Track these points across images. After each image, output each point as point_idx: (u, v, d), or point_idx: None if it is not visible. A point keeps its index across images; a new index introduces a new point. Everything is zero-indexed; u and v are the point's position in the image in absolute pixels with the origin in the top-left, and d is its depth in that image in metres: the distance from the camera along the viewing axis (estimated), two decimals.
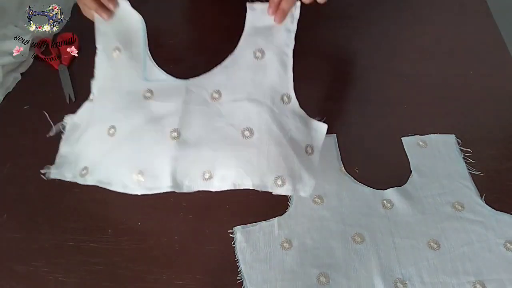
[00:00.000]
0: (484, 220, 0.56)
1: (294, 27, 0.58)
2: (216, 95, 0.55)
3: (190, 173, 0.53)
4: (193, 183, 0.53)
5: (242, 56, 0.58)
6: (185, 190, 0.53)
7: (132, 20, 0.62)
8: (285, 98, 0.56)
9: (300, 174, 0.52)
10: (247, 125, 0.53)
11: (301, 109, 0.56)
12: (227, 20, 0.91)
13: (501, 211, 0.57)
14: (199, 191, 0.59)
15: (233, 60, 0.58)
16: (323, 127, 0.56)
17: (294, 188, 0.52)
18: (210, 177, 0.52)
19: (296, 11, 0.58)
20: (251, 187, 0.52)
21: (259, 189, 0.52)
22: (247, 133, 0.52)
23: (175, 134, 0.53)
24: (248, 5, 0.60)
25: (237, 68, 0.57)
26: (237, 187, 0.52)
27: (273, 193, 0.52)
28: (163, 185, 0.53)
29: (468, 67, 0.78)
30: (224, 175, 0.52)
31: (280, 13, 0.57)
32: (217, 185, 0.53)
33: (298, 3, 0.58)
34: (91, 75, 0.79)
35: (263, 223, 0.57)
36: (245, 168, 0.51)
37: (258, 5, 0.60)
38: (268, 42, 0.57)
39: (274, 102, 0.54)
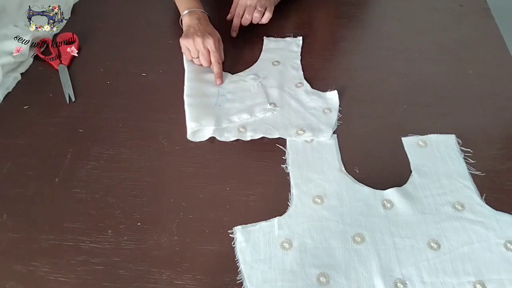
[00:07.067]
0: (484, 220, 0.56)
1: (299, 49, 0.84)
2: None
3: (228, 128, 0.69)
4: (231, 134, 0.68)
5: (263, 63, 0.81)
6: (223, 139, 0.68)
7: None
8: (298, 84, 0.76)
9: (318, 127, 0.68)
10: (271, 101, 0.73)
11: (312, 89, 0.75)
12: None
13: (501, 211, 0.57)
14: (199, 191, 0.62)
15: (256, 65, 0.81)
16: (334, 93, 0.73)
17: (313, 135, 0.67)
18: (245, 131, 0.68)
19: (300, 41, 0.85)
20: (277, 136, 0.67)
21: (284, 137, 0.67)
22: (272, 105, 0.72)
23: (218, 106, 0.73)
24: (265, 37, 0.87)
25: (261, 68, 0.80)
26: (267, 136, 0.68)
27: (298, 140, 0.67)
28: (206, 135, 0.69)
29: (468, 67, 0.78)
30: (256, 129, 0.69)
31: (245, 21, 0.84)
32: (249, 135, 0.68)
33: (301, 38, 0.86)
34: (91, 75, 0.80)
35: (263, 223, 0.57)
36: (272, 125, 0.69)
37: (270, 38, 0.87)
38: (281, 57, 0.82)
39: (290, 87, 0.76)
